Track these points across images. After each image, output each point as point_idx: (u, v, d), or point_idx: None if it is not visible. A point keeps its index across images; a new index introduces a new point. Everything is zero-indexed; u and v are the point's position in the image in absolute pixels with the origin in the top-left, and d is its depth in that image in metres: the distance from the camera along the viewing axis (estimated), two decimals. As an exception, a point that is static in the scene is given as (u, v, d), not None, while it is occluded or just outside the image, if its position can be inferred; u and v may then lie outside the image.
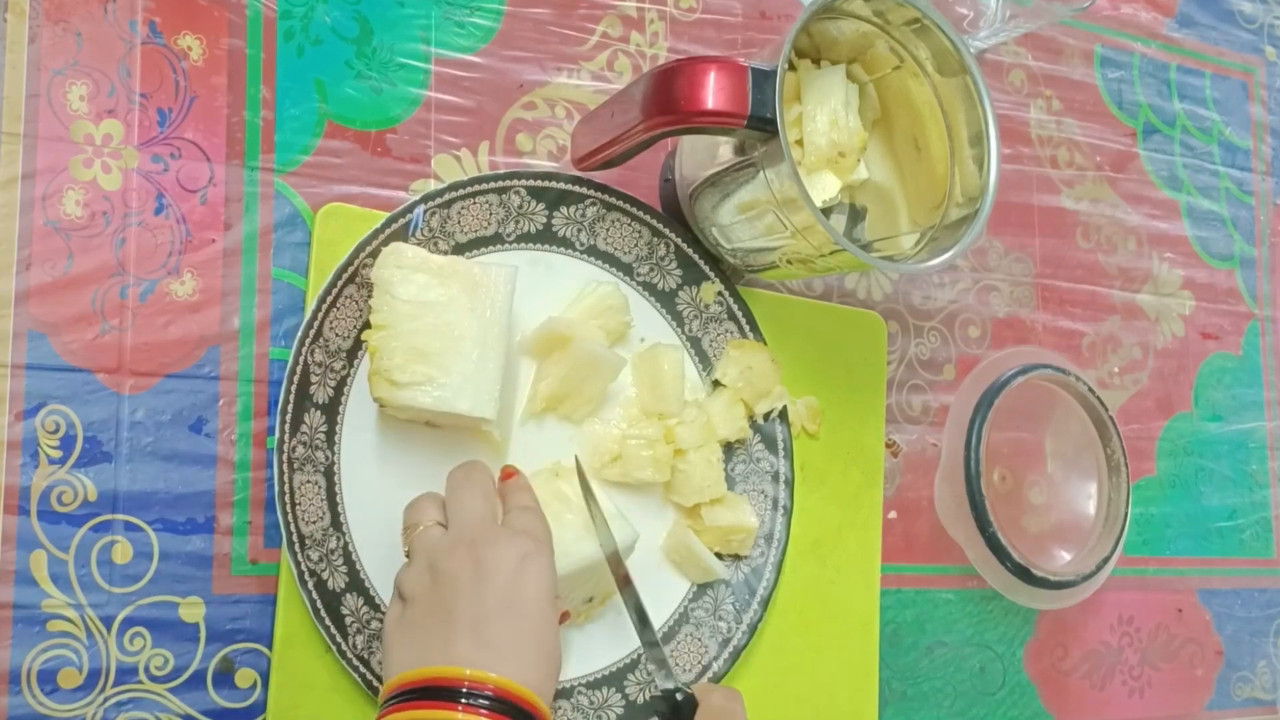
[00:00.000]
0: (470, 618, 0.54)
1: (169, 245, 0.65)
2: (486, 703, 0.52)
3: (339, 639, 0.64)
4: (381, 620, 0.65)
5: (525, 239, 0.72)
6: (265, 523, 0.65)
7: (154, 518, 0.63)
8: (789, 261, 0.71)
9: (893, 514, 0.83)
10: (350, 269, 0.66)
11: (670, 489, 0.73)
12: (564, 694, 0.68)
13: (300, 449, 0.64)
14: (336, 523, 0.65)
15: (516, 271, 0.66)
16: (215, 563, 0.64)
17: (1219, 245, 1.03)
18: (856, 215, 0.76)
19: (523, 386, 0.71)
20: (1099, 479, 0.89)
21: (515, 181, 0.71)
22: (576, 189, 0.72)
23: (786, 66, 0.64)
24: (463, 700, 0.52)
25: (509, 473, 0.64)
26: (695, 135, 0.70)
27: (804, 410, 0.78)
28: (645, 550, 0.72)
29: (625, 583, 0.66)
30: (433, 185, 0.72)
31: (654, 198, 0.77)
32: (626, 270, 0.74)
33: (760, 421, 0.76)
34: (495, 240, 0.71)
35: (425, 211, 0.68)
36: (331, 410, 0.66)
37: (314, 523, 0.64)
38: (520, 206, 0.71)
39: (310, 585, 0.63)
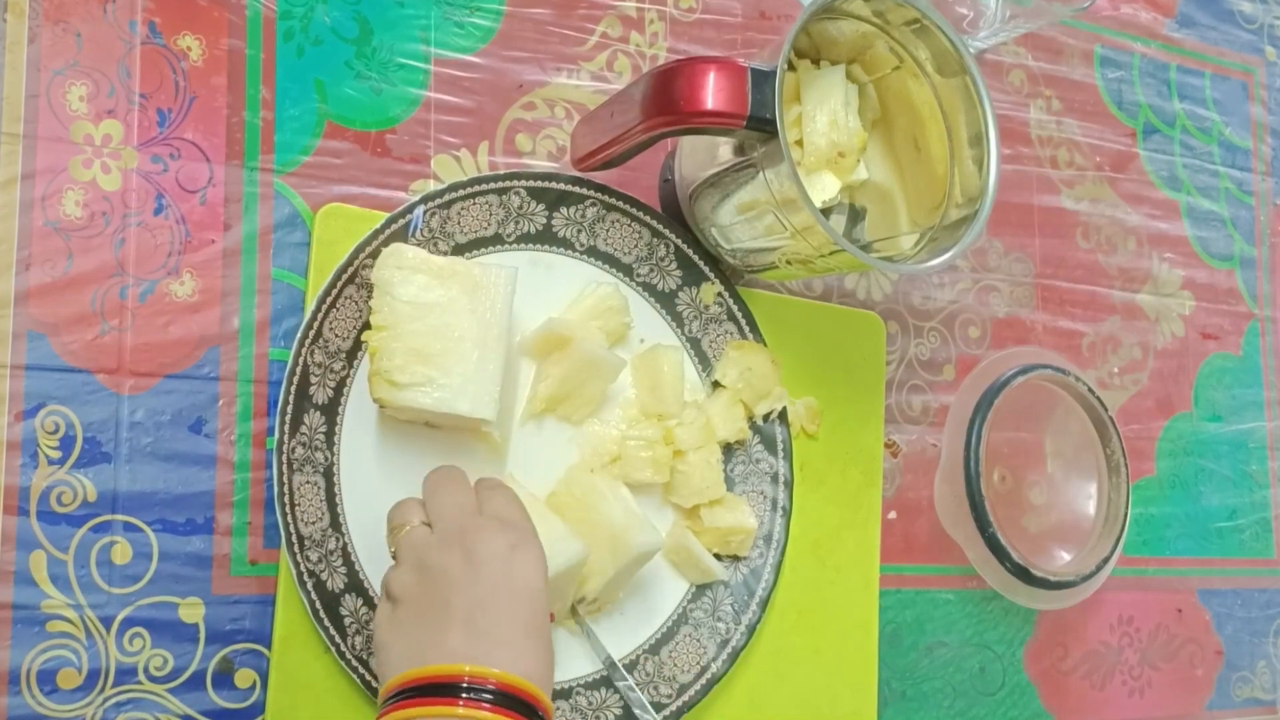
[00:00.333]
0: (465, 610, 0.53)
1: (168, 246, 0.65)
2: (490, 697, 0.51)
3: (338, 640, 0.64)
4: None
5: (525, 239, 0.72)
6: (265, 523, 0.65)
7: (153, 518, 0.63)
8: (788, 262, 0.71)
9: (892, 514, 0.83)
10: (350, 269, 0.66)
11: (669, 490, 0.73)
12: (562, 694, 0.68)
13: (300, 450, 0.64)
14: (336, 523, 0.65)
15: (516, 272, 0.66)
16: (215, 563, 0.64)
17: (1219, 245, 1.03)
18: (856, 216, 0.76)
19: (522, 387, 0.71)
20: (1099, 479, 0.89)
21: (515, 182, 0.71)
22: (576, 190, 0.72)
23: (786, 67, 0.64)
24: (464, 695, 0.51)
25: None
26: (695, 136, 0.70)
27: (803, 411, 0.78)
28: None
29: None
30: (432, 185, 0.72)
31: (654, 198, 0.77)
32: (626, 271, 0.74)
33: (760, 422, 0.76)
34: (495, 241, 0.71)
35: (425, 212, 0.68)
36: (331, 411, 0.66)
37: (313, 523, 0.64)
38: (520, 207, 0.71)
39: (309, 586, 0.63)
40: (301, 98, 0.69)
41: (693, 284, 0.76)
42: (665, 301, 0.75)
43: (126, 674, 0.62)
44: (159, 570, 0.63)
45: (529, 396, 0.71)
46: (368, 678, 0.64)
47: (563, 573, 0.63)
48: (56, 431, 0.62)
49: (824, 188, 0.72)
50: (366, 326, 0.65)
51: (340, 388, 0.66)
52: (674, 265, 0.75)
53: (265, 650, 0.65)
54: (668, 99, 0.62)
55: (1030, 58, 0.95)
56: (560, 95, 0.77)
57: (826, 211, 0.73)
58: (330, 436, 0.66)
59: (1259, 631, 1.00)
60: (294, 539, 0.63)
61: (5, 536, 0.60)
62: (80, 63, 0.64)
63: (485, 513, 0.59)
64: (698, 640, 0.72)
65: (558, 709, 0.68)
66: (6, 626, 0.60)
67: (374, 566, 0.66)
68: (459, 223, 0.69)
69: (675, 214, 0.76)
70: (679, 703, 0.71)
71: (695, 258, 0.75)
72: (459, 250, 0.69)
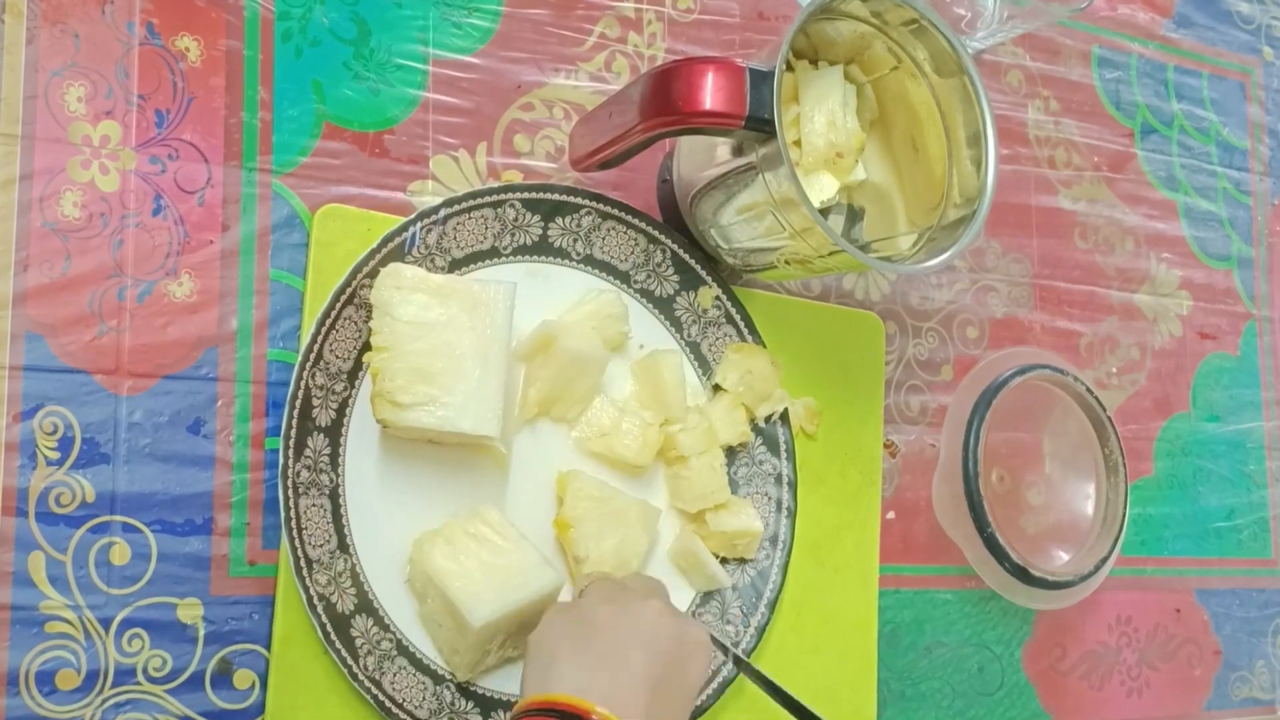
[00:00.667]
0: (642, 668, 0.56)
1: (167, 246, 0.65)
2: None
3: (350, 661, 0.63)
4: (391, 640, 0.65)
5: (522, 251, 0.72)
6: (263, 524, 0.65)
7: (152, 519, 0.63)
8: (787, 262, 0.71)
9: (891, 514, 0.83)
10: (348, 290, 0.66)
11: (674, 495, 0.73)
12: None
13: (305, 473, 0.64)
14: (343, 545, 0.65)
15: (515, 288, 0.66)
16: (213, 564, 0.64)
17: (1217, 245, 1.03)
18: (854, 216, 0.76)
19: (517, 395, 0.71)
20: (1097, 479, 0.89)
21: (510, 194, 0.71)
22: (571, 199, 0.72)
23: (784, 67, 0.64)
24: None
25: None
26: (693, 136, 0.70)
27: (802, 411, 0.78)
28: (653, 557, 0.73)
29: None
30: (430, 186, 0.72)
31: (652, 198, 0.77)
32: (623, 278, 0.74)
33: (761, 424, 0.76)
34: (492, 254, 0.71)
35: (421, 229, 0.68)
36: (334, 432, 0.66)
37: (320, 546, 0.64)
38: (516, 219, 0.71)
39: (320, 609, 0.63)
40: (300, 98, 0.69)
41: (690, 288, 0.76)
42: (663, 307, 0.75)
43: (125, 675, 0.62)
44: (157, 571, 0.63)
45: (520, 402, 0.70)
46: (381, 698, 0.64)
47: (539, 600, 0.64)
48: (55, 432, 0.62)
49: (822, 188, 0.72)
50: (366, 347, 0.65)
51: (342, 409, 0.66)
52: (671, 270, 0.75)
53: (264, 651, 0.65)
54: (666, 99, 0.62)
55: (1028, 58, 0.95)
56: (558, 96, 0.77)
57: (825, 212, 0.73)
58: (334, 458, 0.66)
59: (1257, 631, 1.00)
60: (302, 563, 0.63)
61: (4, 537, 0.60)
62: (78, 63, 0.64)
63: (678, 608, 0.63)
64: (706, 644, 0.72)
65: None
66: (5, 627, 0.60)
67: (382, 586, 0.65)
68: (455, 238, 0.69)
69: (674, 215, 0.76)
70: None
71: (692, 262, 0.75)
72: (456, 265, 0.69)
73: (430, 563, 0.64)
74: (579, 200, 0.72)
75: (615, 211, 0.73)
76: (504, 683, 0.67)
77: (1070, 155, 0.96)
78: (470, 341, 0.64)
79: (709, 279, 0.76)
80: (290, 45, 0.69)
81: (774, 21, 0.85)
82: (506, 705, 0.67)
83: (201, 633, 0.63)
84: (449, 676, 0.66)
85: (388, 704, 0.64)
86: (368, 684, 0.64)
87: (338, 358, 0.66)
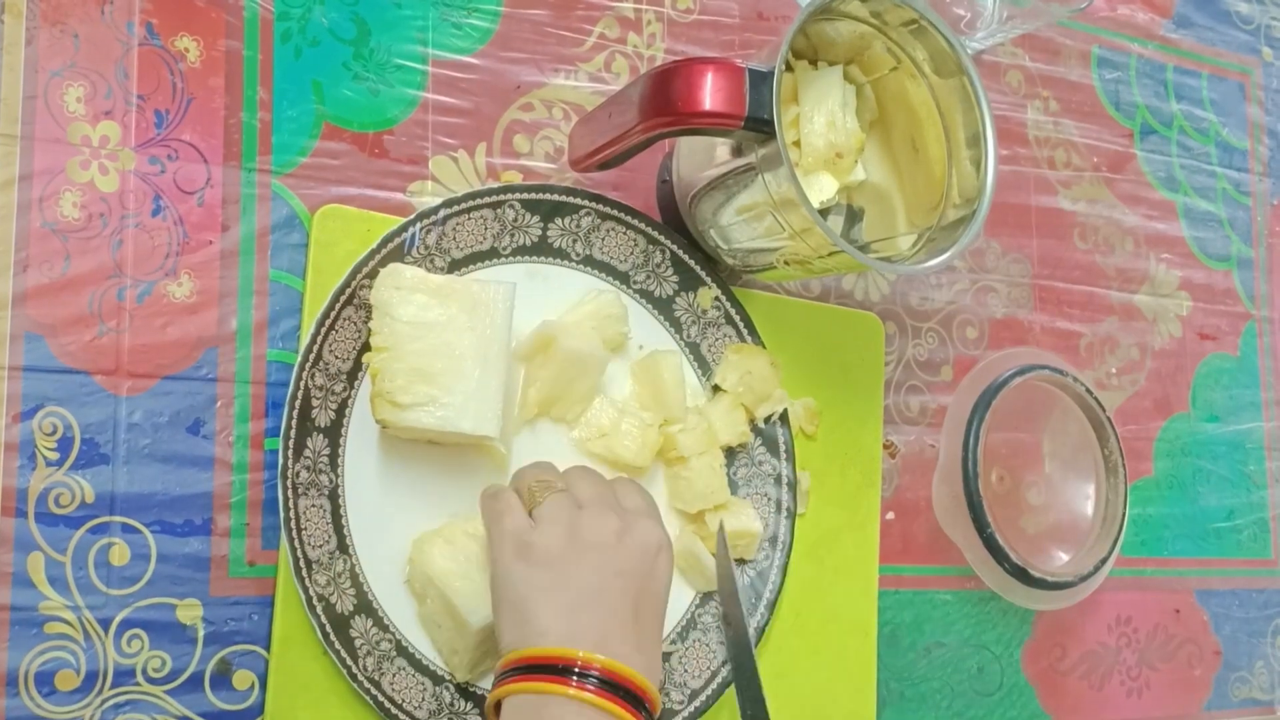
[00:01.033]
0: (615, 595, 0.56)
1: (166, 247, 0.65)
2: (595, 681, 0.53)
3: (349, 662, 0.63)
4: (390, 640, 0.65)
5: (521, 252, 0.72)
6: (263, 525, 0.65)
7: (151, 519, 0.63)
8: (787, 263, 0.71)
9: (890, 515, 0.83)
10: (348, 290, 0.66)
11: (673, 496, 0.73)
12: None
13: (304, 474, 0.64)
14: (343, 545, 0.65)
15: (515, 288, 0.66)
16: (213, 564, 0.64)
17: (1216, 246, 1.03)
18: (854, 216, 0.76)
19: (517, 395, 0.71)
20: (1097, 480, 0.89)
21: (509, 195, 0.71)
22: (570, 200, 0.72)
23: (784, 67, 0.64)
24: (575, 678, 0.53)
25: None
26: (693, 136, 0.70)
27: (801, 411, 0.78)
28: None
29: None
30: (430, 186, 0.72)
31: (652, 199, 0.77)
32: (623, 278, 0.74)
33: (761, 425, 0.76)
34: (491, 255, 0.71)
35: (421, 230, 0.68)
36: (334, 433, 0.66)
37: (320, 546, 0.64)
38: (515, 220, 0.71)
39: (319, 610, 0.63)
40: (299, 99, 0.69)
41: (690, 289, 0.76)
42: (663, 307, 0.75)
43: (125, 675, 0.62)
44: (157, 571, 0.63)
45: (520, 402, 0.70)
46: (380, 699, 0.64)
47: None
48: (54, 433, 0.62)
49: (822, 188, 0.72)
50: (366, 347, 0.65)
51: (342, 409, 0.66)
52: (670, 271, 0.75)
53: (264, 651, 0.64)
54: (666, 100, 0.62)
55: (1028, 58, 0.95)
56: (558, 96, 0.77)
57: (824, 212, 0.73)
58: (334, 458, 0.65)
59: (1257, 632, 1.00)
60: (302, 564, 0.63)
61: (3, 538, 0.60)
62: (78, 64, 0.64)
63: (626, 506, 0.61)
64: (707, 645, 0.72)
65: None
66: (4, 628, 0.60)
67: (381, 587, 0.65)
68: (454, 238, 0.69)
69: (673, 215, 0.76)
70: (690, 708, 0.70)
71: (691, 263, 0.75)
72: (455, 265, 0.69)
73: (430, 563, 0.64)
74: (578, 201, 0.73)
75: (615, 212, 0.73)
76: (504, 683, 0.67)
77: (1070, 155, 0.96)
78: (470, 342, 0.64)
79: (708, 279, 0.76)
80: (290, 45, 0.69)
81: (773, 22, 0.85)
82: None
83: (201, 633, 0.63)
84: (448, 677, 0.66)
85: (387, 704, 0.64)
86: (367, 684, 0.64)
87: (337, 358, 0.66)
